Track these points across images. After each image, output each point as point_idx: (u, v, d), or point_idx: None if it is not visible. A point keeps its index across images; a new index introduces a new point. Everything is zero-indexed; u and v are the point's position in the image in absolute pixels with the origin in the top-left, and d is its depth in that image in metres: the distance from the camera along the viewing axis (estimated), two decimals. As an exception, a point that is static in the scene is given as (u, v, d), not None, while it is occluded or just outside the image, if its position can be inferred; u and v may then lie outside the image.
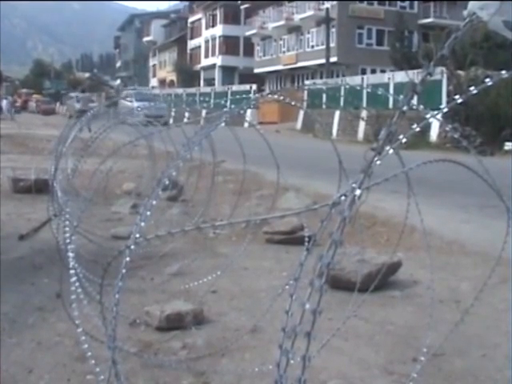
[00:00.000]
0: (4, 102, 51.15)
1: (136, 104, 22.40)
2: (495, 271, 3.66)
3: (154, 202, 2.06)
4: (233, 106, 3.23)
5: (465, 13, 1.75)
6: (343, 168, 4.04)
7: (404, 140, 1.63)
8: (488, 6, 1.73)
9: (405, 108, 1.63)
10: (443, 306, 4.87)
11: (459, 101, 1.64)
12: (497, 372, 3.88)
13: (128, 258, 1.95)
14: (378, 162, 1.56)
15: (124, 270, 1.96)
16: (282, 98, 3.60)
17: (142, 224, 2.03)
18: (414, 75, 26.86)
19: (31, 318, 4.62)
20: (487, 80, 1.66)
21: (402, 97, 2.18)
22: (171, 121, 21.46)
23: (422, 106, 2.18)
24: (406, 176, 3.44)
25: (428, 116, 1.74)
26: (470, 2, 1.80)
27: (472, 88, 1.67)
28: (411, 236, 6.67)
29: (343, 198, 1.57)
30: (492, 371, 3.89)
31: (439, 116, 1.97)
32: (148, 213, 2.03)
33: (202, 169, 8.13)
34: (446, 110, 1.69)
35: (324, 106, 33.83)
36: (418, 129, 1.70)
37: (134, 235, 2.00)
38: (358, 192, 1.49)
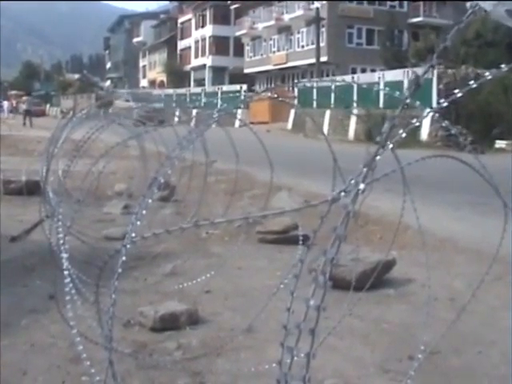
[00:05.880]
0: (6, 104, 52.35)
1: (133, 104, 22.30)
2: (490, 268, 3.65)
3: (150, 201, 2.04)
4: (224, 105, 3.21)
5: (468, 4, 1.74)
6: (338, 166, 4.02)
7: (404, 135, 1.61)
8: (491, -3, 1.72)
9: (408, 100, 1.62)
10: (438, 304, 4.86)
11: (459, 95, 1.63)
12: (493, 369, 3.88)
13: (124, 258, 1.93)
14: (378, 157, 1.55)
15: (120, 270, 1.94)
16: (275, 95, 3.59)
17: (138, 223, 2.00)
18: (405, 74, 26.95)
19: (24, 319, 4.58)
20: (487, 74, 1.65)
21: (397, 93, 2.16)
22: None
23: (418, 102, 2.18)
24: (402, 173, 3.42)
25: (426, 111, 1.72)
26: (474, -6, 1.79)
27: (472, 82, 1.66)
28: (404, 234, 6.66)
29: (343, 194, 1.55)
30: (488, 368, 3.90)
31: (431, 114, 1.95)
32: (144, 211, 2.01)
33: (194, 169, 8.10)
34: (445, 104, 1.68)
35: (315, 105, 33.92)
36: (417, 123, 1.69)
37: (130, 234, 1.97)
38: (362, 186, 1.47)
